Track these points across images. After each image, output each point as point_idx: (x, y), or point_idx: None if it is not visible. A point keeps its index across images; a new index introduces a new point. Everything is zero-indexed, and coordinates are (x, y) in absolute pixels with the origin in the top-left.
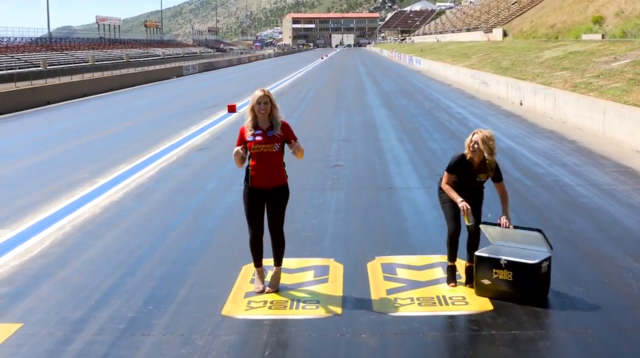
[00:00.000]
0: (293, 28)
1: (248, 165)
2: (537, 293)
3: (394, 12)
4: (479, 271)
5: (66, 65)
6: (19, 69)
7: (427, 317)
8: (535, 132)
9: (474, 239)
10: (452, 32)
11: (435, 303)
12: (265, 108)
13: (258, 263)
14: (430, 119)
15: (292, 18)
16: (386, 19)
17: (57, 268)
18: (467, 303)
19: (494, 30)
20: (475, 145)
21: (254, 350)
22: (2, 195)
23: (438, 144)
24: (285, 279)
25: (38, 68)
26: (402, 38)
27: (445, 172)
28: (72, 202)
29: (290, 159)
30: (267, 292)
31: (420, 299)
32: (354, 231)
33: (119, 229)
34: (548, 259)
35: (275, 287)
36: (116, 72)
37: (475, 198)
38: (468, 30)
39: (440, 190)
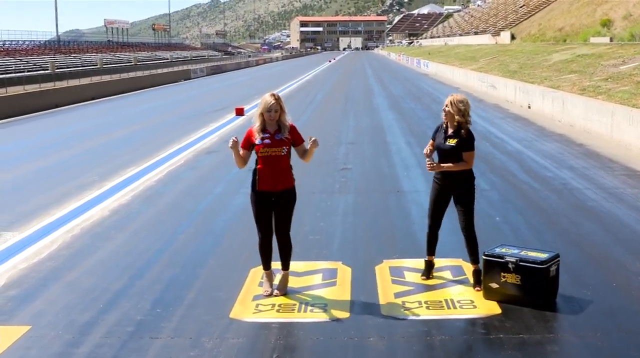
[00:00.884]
0: (301, 31)
1: (255, 169)
2: (546, 296)
3: (401, 16)
4: (487, 275)
5: (74, 69)
6: (28, 72)
7: (435, 320)
8: (543, 135)
9: (470, 242)
10: (460, 35)
11: (443, 306)
12: (274, 116)
13: (267, 266)
14: (438, 122)
15: (300, 21)
16: (394, 22)
17: (66, 271)
18: (475, 306)
19: (502, 33)
20: (447, 108)
21: (262, 353)
22: (12, 198)
23: None
24: (293, 282)
25: (47, 71)
26: (409, 41)
27: (430, 140)
28: (81, 204)
29: (298, 162)
30: (275, 295)
31: (429, 302)
32: (362, 234)
33: (127, 232)
34: (557, 263)
35: (283, 290)
36: (124, 75)
37: (450, 161)
38: (476, 33)
39: (431, 189)
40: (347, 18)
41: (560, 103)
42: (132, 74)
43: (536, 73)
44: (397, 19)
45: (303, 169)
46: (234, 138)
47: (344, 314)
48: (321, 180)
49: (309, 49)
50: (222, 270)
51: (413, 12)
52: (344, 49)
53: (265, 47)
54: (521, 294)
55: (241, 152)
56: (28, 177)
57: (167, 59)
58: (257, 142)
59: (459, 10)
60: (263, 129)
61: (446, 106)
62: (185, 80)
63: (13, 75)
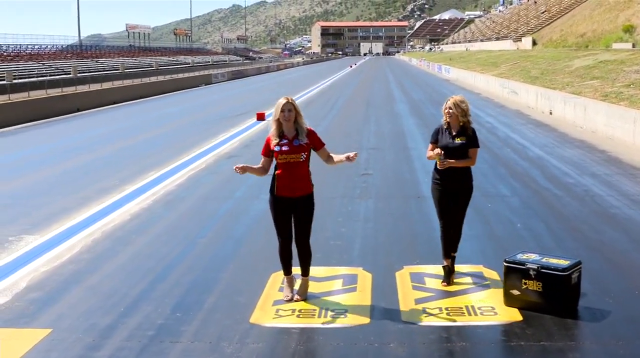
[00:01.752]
0: (322, 36)
1: (274, 174)
2: (567, 304)
3: (423, 21)
4: (508, 281)
5: (96, 73)
6: (50, 76)
7: (456, 327)
8: (565, 142)
9: (457, 236)
10: (482, 40)
11: (464, 313)
12: (290, 116)
13: (287, 272)
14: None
15: (321, 26)
16: (415, 28)
17: (87, 274)
18: (496, 313)
19: (523, 39)
20: (450, 110)
21: None
22: (33, 201)
23: None
24: (313, 288)
25: (69, 75)
26: (430, 47)
27: (430, 144)
28: (102, 208)
29: (319, 167)
30: (296, 300)
31: (449, 309)
32: (382, 240)
33: (148, 236)
34: (578, 270)
35: (304, 295)
36: (145, 80)
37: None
38: (497, 39)
39: (431, 190)
40: (368, 23)
41: (582, 109)
42: (153, 79)
43: (558, 79)
44: (418, 24)
45: (324, 174)
46: (236, 167)
47: (364, 320)
48: (342, 186)
49: (329, 54)
50: (242, 274)
51: (434, 17)
52: (365, 54)
53: (286, 52)
54: (542, 301)
55: (262, 160)
56: (50, 181)
57: (189, 63)
58: (275, 148)
59: (480, 16)
60: (280, 135)
61: (450, 109)
62: (206, 84)
63: (35, 79)
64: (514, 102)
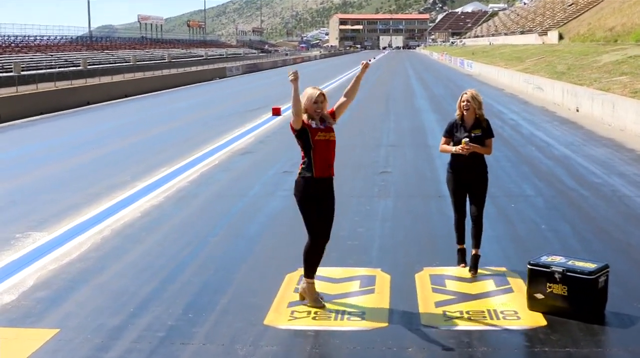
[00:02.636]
0: (340, 29)
1: (310, 155)
2: (594, 308)
3: (444, 14)
4: (532, 284)
5: (107, 65)
6: (59, 68)
7: (477, 331)
8: (592, 140)
9: (478, 229)
10: (505, 34)
11: (485, 317)
12: (322, 106)
13: (312, 275)
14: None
15: (339, 19)
16: (436, 21)
17: (96, 273)
18: (519, 318)
19: (549, 33)
20: (468, 103)
21: None
22: (41, 198)
23: None
24: (330, 289)
25: (78, 67)
26: (452, 41)
27: (442, 138)
28: (112, 205)
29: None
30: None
31: (470, 313)
32: (401, 240)
33: (159, 234)
34: (606, 273)
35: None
36: (158, 73)
37: (474, 156)
38: (522, 32)
39: (447, 180)
40: (387, 16)
41: (611, 106)
42: (165, 72)
43: (585, 74)
44: (439, 17)
45: (342, 171)
46: (295, 71)
47: (382, 323)
48: (360, 184)
49: (348, 48)
50: (256, 275)
51: (456, 10)
52: (384, 48)
53: (303, 45)
54: (568, 306)
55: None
56: (59, 176)
57: (202, 56)
58: (313, 126)
59: (504, 9)
60: (310, 118)
61: (467, 101)
62: (220, 78)
63: (44, 71)
64: (539, 99)
